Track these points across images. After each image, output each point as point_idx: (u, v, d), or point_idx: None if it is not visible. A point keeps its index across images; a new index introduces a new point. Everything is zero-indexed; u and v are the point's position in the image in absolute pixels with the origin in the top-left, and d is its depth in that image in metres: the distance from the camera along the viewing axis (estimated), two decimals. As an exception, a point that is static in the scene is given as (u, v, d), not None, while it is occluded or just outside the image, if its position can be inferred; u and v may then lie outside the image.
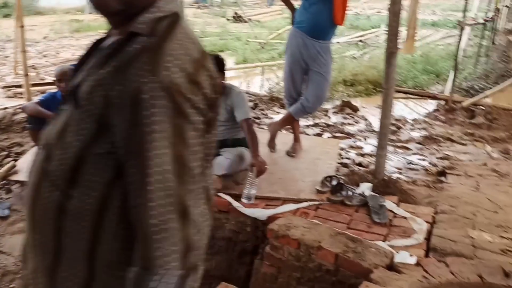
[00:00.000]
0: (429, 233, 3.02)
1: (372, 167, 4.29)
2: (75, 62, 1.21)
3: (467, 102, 6.60)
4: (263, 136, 4.32)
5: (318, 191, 3.51)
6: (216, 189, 3.45)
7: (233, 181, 3.64)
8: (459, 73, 9.52)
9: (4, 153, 4.44)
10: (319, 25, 3.81)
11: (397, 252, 2.71)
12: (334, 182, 3.56)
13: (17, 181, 4.06)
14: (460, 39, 6.94)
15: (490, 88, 7.51)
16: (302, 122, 5.87)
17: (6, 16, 17.95)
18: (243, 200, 3.38)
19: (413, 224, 3.13)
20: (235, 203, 3.36)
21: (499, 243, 2.88)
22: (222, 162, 3.55)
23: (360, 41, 13.02)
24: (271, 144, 4.26)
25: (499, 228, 3.06)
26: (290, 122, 4.28)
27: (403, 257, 2.60)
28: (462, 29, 6.77)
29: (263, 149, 4.20)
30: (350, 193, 3.46)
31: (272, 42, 12.19)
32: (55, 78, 3.93)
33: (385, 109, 3.53)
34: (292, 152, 4.20)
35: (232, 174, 3.61)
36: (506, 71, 9.96)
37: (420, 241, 2.93)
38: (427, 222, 3.14)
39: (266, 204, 3.39)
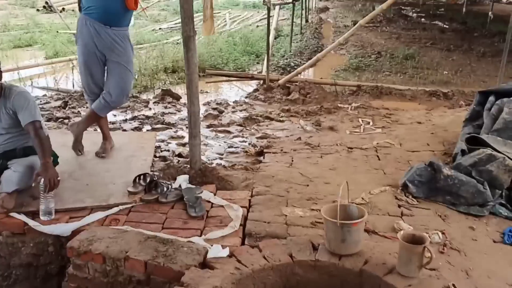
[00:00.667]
0: (246, 219, 2.96)
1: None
2: None
3: (282, 80, 6.88)
4: (69, 138, 3.86)
5: (130, 193, 3.21)
6: (7, 209, 2.93)
7: (30, 196, 3.12)
8: (277, 51, 10.02)
9: None
10: (110, 10, 3.46)
11: (210, 246, 2.57)
12: (148, 180, 3.29)
13: None
14: (268, 19, 7.15)
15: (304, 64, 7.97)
16: (120, 116, 5.49)
17: None
18: (42, 218, 2.92)
19: (230, 211, 3.04)
20: (31, 222, 2.89)
21: (309, 217, 2.94)
22: (11, 176, 3.02)
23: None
24: (77, 146, 3.81)
25: (309, 201, 3.14)
26: (95, 120, 3.87)
27: (216, 252, 2.47)
28: (269, 9, 6.97)
29: (69, 153, 3.76)
30: (165, 189, 3.23)
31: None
32: None
33: (191, 95, 3.36)
34: (101, 153, 3.81)
35: (26, 189, 3.08)
36: (318, 47, 10.78)
37: (236, 228, 2.84)
38: (243, 207, 3.09)
39: (70, 217, 2.97)
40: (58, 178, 2.95)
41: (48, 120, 5.12)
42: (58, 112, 5.53)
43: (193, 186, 3.33)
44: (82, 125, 3.83)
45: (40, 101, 5.98)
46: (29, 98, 3.13)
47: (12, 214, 2.94)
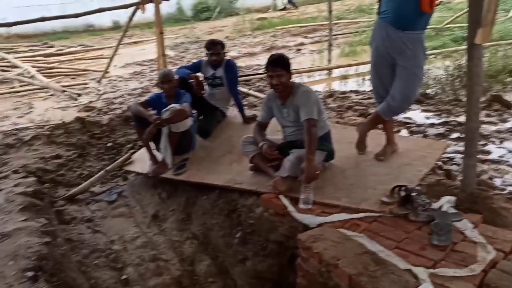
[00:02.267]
0: (493, 266, 2.45)
1: (484, 177, 3.64)
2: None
3: None
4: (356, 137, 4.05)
5: (383, 202, 3.14)
6: (278, 191, 3.41)
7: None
8: None
9: (130, 145, 5.15)
10: (403, 14, 3.37)
11: (426, 282, 2.29)
12: (405, 193, 3.13)
13: (131, 172, 4.67)
14: None
15: None
16: (431, 119, 5.28)
17: (206, 19, 20.31)
18: (300, 205, 3.26)
19: (480, 251, 2.57)
20: (290, 207, 3.27)
21: None
22: (285, 163, 3.48)
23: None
24: (360, 146, 3.95)
25: None
26: (379, 122, 3.89)
27: (423, 291, 2.19)
28: None
29: (351, 151, 3.96)
30: (421, 207, 3.01)
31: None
32: (158, 81, 4.37)
33: (470, 110, 2.94)
34: (380, 156, 3.82)
35: (297, 176, 3.49)
36: None
37: (476, 272, 2.39)
38: (501, 251, 2.55)
39: (322, 210, 3.19)
40: (317, 172, 3.21)
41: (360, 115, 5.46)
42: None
43: (454, 212, 2.96)
44: (366, 126, 3.93)
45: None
46: (311, 97, 3.47)
47: (280, 196, 3.40)
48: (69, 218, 4.06)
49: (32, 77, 8.27)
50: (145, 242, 3.88)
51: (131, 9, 6.66)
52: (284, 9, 20.93)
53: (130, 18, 7.11)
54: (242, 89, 6.95)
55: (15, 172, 4.27)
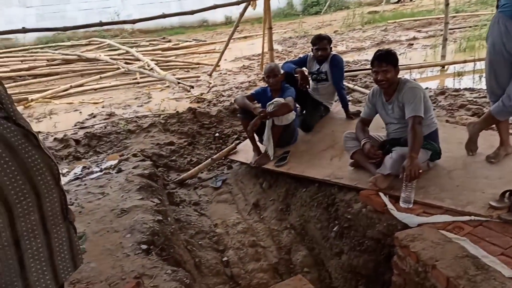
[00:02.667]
0: None
1: None
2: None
3: None
4: (466, 136, 3.87)
5: (491, 207, 2.98)
6: (378, 188, 3.39)
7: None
8: None
9: (235, 136, 5.40)
10: (526, 6, 3.14)
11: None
12: (515, 198, 2.94)
13: (236, 161, 4.91)
14: None
15: None
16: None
17: (316, 13, 20.30)
18: (400, 204, 3.21)
19: None
20: (389, 205, 3.23)
21: None
22: (387, 161, 3.44)
23: None
24: (470, 147, 3.75)
25: None
26: (492, 122, 3.66)
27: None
28: None
29: (460, 151, 3.79)
30: (534, 214, 2.81)
31: None
32: (264, 75, 4.54)
33: None
34: (492, 158, 3.60)
35: (398, 174, 3.43)
36: None
37: None
38: None
39: (424, 210, 3.12)
40: (420, 171, 3.13)
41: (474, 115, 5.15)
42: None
43: None
44: (478, 126, 3.72)
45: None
46: (417, 94, 3.38)
47: (380, 193, 3.37)
48: (179, 200, 4.41)
49: (151, 69, 8.98)
50: (246, 228, 4.08)
51: (243, 5, 6.92)
52: (398, 1, 20.16)
53: (242, 14, 7.40)
54: (348, 84, 6.91)
55: (134, 155, 4.73)
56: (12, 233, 1.32)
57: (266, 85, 4.60)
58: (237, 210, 4.35)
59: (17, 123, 1.41)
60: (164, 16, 5.62)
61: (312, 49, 4.93)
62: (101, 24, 5.32)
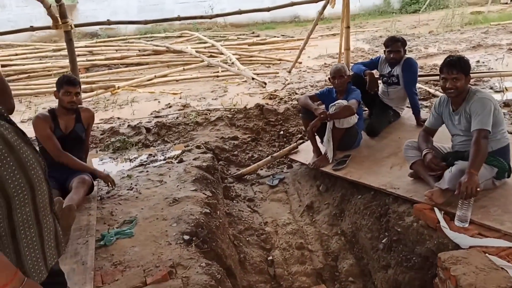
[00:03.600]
0: None
1: None
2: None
3: None
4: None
5: (558, 237, 2.67)
6: (434, 203, 3.19)
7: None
8: None
9: (300, 135, 5.34)
10: None
11: None
12: None
13: (296, 161, 4.87)
14: None
15: None
16: None
17: (415, 12, 19.37)
18: (455, 222, 2.99)
19: None
20: (442, 222, 3.03)
21: None
22: (446, 175, 3.21)
23: None
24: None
25: None
26: None
27: None
28: None
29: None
30: None
31: None
32: (330, 75, 4.43)
33: None
34: None
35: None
36: None
37: None
38: None
39: (479, 232, 2.88)
40: (478, 189, 2.89)
41: None
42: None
43: None
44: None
45: None
46: (486, 106, 3.10)
47: (435, 208, 3.17)
48: (234, 195, 4.47)
49: (232, 63, 9.16)
50: (295, 229, 4.04)
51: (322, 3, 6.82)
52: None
53: (321, 12, 7.29)
54: (429, 89, 6.53)
55: (198, 147, 4.87)
56: (9, 224, 1.42)
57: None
58: (290, 210, 4.32)
59: (8, 120, 1.49)
60: (239, 12, 5.71)
61: (384, 51, 4.73)
62: (179, 18, 5.53)
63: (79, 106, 3.80)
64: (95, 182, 3.83)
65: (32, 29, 5.51)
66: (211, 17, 5.86)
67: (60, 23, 5.00)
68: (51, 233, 1.58)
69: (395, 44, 4.59)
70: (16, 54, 10.75)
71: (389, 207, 3.57)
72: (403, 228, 3.28)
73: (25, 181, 1.42)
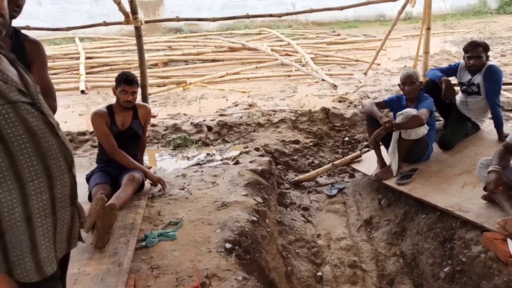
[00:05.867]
0: None
1: None
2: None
3: None
4: None
5: None
6: (508, 233, 2.79)
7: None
8: None
9: (366, 143, 5.00)
10: None
11: None
12: None
13: (358, 170, 4.55)
14: None
15: None
16: None
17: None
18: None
19: None
20: (515, 256, 2.63)
21: None
22: None
23: None
24: None
25: None
26: None
27: None
28: None
29: None
30: None
31: None
32: (400, 81, 4.09)
33: None
34: None
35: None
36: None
37: None
38: None
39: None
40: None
41: None
42: None
43: None
44: None
45: None
46: None
47: (508, 240, 2.77)
48: (289, 202, 4.28)
49: (306, 63, 8.92)
50: (350, 245, 3.76)
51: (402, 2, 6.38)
52: None
53: (400, 12, 6.82)
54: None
55: (256, 149, 4.73)
56: (24, 209, 1.42)
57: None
58: (346, 224, 4.04)
59: (40, 110, 1.50)
60: (310, 11, 5.48)
61: (464, 56, 4.27)
62: (247, 16, 5.42)
63: (136, 102, 3.80)
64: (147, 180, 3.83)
65: (104, 24, 5.67)
66: (280, 15, 5.67)
67: (131, 18, 5.07)
68: (65, 226, 1.57)
69: (475, 49, 4.12)
70: (102, 47, 11.30)
71: (455, 232, 3.19)
72: (468, 258, 2.91)
73: (42, 169, 1.44)
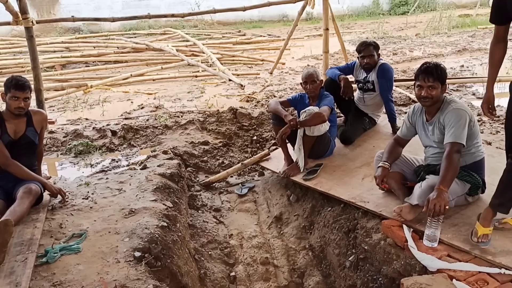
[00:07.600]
0: None
1: None
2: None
3: None
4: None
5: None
6: (403, 219, 3.00)
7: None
8: None
9: (274, 141, 5.12)
10: None
11: None
12: None
13: (267, 168, 4.64)
14: None
15: None
16: None
17: (403, 13, 19.22)
18: (423, 241, 2.80)
19: None
20: (410, 241, 2.83)
21: None
22: (416, 190, 3.02)
23: None
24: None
25: None
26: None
27: None
28: None
29: None
30: None
31: None
32: (301, 80, 4.23)
33: None
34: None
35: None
36: None
37: None
38: None
39: (448, 253, 2.69)
40: (447, 207, 2.69)
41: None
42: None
43: None
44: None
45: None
46: (461, 117, 2.91)
47: (403, 225, 2.97)
48: (200, 204, 4.24)
49: (212, 63, 8.93)
50: (261, 243, 3.83)
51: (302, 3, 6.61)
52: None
53: (300, 13, 7.10)
54: (410, 95, 6.34)
55: (165, 152, 4.63)
56: None
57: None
58: (257, 221, 4.10)
59: None
60: (213, 11, 5.48)
61: (358, 57, 4.53)
62: (149, 16, 5.29)
63: (30, 109, 3.54)
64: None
65: (-10, 25, 5.24)
66: (183, 15, 5.61)
67: (21, 18, 4.72)
68: None
69: (367, 49, 4.39)
70: (-11, 49, 10.43)
71: (358, 222, 3.37)
72: (370, 246, 3.09)
73: None
